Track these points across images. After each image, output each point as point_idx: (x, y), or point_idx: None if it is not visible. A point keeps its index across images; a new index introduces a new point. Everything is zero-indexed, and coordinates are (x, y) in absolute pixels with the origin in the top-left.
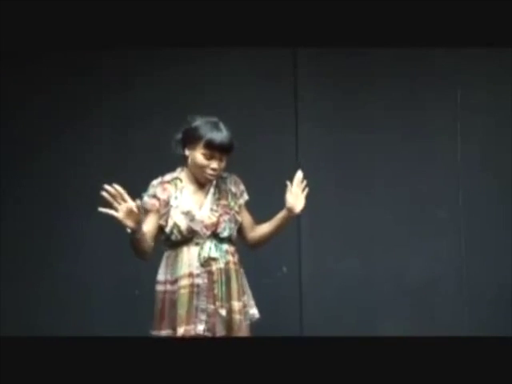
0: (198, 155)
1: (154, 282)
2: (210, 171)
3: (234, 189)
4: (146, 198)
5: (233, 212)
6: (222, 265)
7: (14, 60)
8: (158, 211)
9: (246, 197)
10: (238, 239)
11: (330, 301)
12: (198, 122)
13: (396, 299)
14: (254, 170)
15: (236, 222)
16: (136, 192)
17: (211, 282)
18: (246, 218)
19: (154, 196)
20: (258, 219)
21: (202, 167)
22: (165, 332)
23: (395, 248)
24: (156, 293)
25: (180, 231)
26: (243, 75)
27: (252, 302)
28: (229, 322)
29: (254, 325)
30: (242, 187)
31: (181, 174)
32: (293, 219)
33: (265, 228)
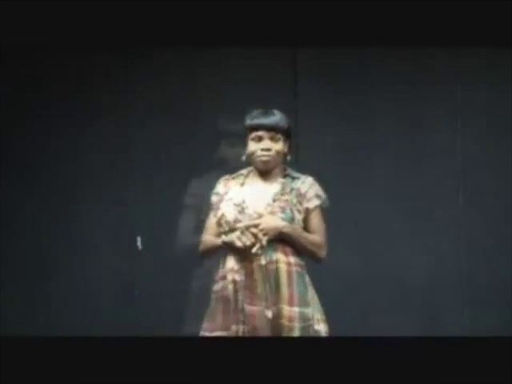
0: (249, 145)
1: (153, 282)
2: (260, 152)
3: (303, 189)
4: (211, 196)
5: (289, 208)
6: (263, 262)
7: (14, 60)
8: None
9: (316, 202)
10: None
11: (329, 300)
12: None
13: (396, 299)
14: None
15: (293, 220)
16: (136, 192)
17: (251, 279)
18: (311, 224)
19: (217, 193)
20: None
21: (254, 152)
22: (219, 333)
23: (395, 247)
24: (212, 293)
25: (227, 222)
26: (243, 75)
27: (319, 317)
28: (277, 327)
29: None
30: (318, 192)
31: (248, 171)
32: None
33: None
